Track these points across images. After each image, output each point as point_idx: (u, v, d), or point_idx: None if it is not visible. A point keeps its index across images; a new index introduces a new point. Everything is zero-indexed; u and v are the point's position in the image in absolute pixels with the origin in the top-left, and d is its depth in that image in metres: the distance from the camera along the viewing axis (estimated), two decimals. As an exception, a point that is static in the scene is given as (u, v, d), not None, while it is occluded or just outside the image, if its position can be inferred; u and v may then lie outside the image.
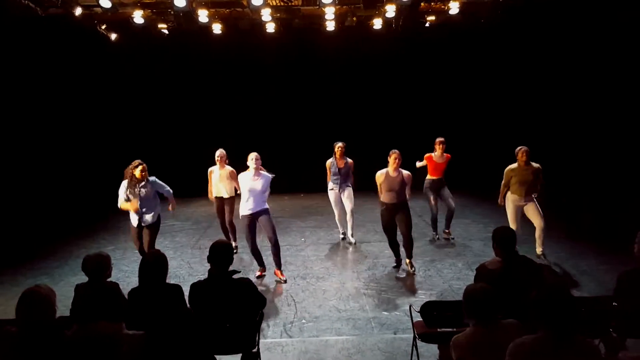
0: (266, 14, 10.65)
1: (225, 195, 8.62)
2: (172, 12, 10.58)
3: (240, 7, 10.79)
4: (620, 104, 9.76)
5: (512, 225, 7.68)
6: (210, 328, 4.10)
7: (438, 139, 8.91)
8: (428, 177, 9.02)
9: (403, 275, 7.53)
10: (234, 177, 8.40)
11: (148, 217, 6.99)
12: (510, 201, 7.72)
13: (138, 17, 10.54)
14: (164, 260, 4.17)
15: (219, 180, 8.63)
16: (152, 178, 7.02)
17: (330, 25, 11.61)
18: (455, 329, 3.98)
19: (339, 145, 8.84)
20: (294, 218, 11.10)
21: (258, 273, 7.49)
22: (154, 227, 7.11)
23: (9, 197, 9.92)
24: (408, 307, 4.78)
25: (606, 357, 3.79)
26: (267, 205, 7.29)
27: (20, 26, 9.87)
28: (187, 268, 8.08)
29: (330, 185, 9.01)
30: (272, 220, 7.34)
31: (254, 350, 4.38)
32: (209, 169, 8.74)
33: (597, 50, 10.06)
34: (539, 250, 7.77)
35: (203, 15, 10.52)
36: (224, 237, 8.60)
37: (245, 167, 7.25)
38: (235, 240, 8.83)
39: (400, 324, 5.80)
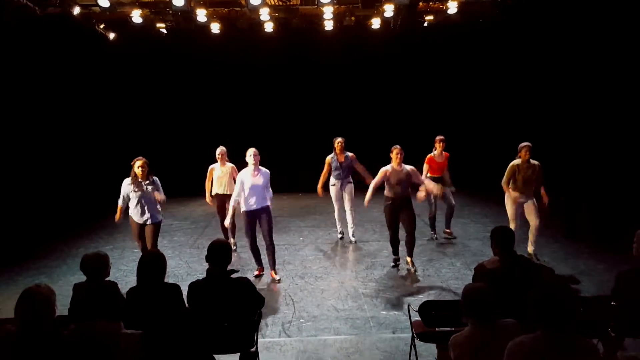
0: (265, 14, 10.66)
1: (227, 192, 8.60)
2: (170, 12, 10.59)
3: (238, 7, 10.79)
4: (618, 103, 9.76)
5: (512, 222, 7.69)
6: (208, 327, 4.09)
7: (438, 137, 8.89)
8: (429, 175, 8.99)
9: (401, 274, 7.53)
10: (236, 174, 8.43)
11: (151, 216, 6.98)
12: (511, 198, 7.71)
13: (136, 16, 10.54)
14: (162, 260, 4.17)
15: (220, 178, 8.63)
16: (155, 178, 7.01)
17: (329, 25, 11.62)
18: (453, 329, 3.98)
19: (338, 141, 8.84)
20: (293, 217, 11.10)
21: (256, 272, 7.51)
22: (157, 226, 7.10)
23: (7, 196, 9.89)
24: (406, 307, 4.78)
25: (604, 357, 3.79)
26: (268, 203, 7.29)
27: (18, 25, 9.85)
28: (185, 267, 8.07)
29: (332, 180, 9.00)
30: (272, 219, 7.36)
31: (253, 349, 4.38)
32: (210, 167, 8.74)
33: (596, 48, 10.06)
34: (530, 249, 7.75)
35: (201, 15, 10.52)
36: (223, 236, 8.59)
37: (243, 165, 7.26)
38: (234, 238, 8.83)
39: (398, 323, 5.80)
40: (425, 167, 8.91)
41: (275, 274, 7.43)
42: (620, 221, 8.66)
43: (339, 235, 9.39)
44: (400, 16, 11.05)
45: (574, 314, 2.86)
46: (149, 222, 6.95)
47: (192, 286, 4.30)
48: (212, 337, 4.11)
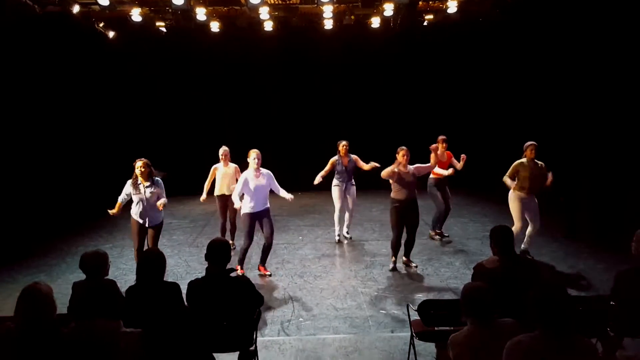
0: (264, 12, 10.64)
1: (229, 193, 8.58)
2: (170, 10, 10.59)
3: (238, 5, 10.78)
4: (618, 102, 9.76)
5: (518, 221, 7.64)
6: (207, 326, 4.09)
7: (440, 137, 8.89)
8: (432, 175, 8.98)
9: (401, 274, 7.53)
10: (239, 175, 8.45)
11: (156, 219, 6.98)
12: (516, 197, 7.67)
13: (136, 14, 10.53)
14: (161, 258, 4.17)
15: (223, 178, 8.62)
16: (157, 179, 7.00)
17: (328, 24, 11.61)
18: (452, 328, 3.99)
19: (343, 144, 8.83)
20: (292, 217, 11.10)
21: (240, 272, 7.35)
22: (159, 228, 7.11)
23: (6, 195, 9.89)
24: (405, 306, 4.78)
25: (603, 357, 3.80)
26: (268, 205, 7.35)
27: (18, 24, 9.84)
28: (184, 266, 8.07)
29: (335, 181, 9.00)
30: (272, 220, 7.42)
31: (252, 348, 4.38)
32: (213, 166, 8.72)
33: (595, 47, 10.05)
34: (524, 246, 7.77)
35: (201, 13, 10.51)
36: (221, 236, 8.59)
37: (245, 164, 7.28)
38: (233, 239, 8.82)
39: (397, 322, 5.80)
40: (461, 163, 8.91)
41: (266, 270, 7.46)
42: (620, 221, 8.66)
43: (337, 238, 9.32)
44: (400, 15, 11.04)
45: (572, 313, 2.87)
46: (149, 224, 6.94)
47: (192, 285, 4.31)
48: (211, 336, 4.12)
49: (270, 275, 7.39)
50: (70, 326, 3.32)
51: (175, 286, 4.18)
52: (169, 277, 6.61)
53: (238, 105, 14.39)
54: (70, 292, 4.25)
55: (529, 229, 7.72)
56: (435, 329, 4.31)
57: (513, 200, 7.73)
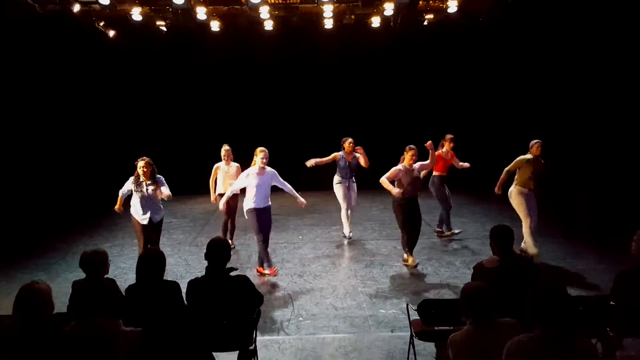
0: (264, 12, 10.65)
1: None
2: (170, 9, 10.59)
3: (238, 5, 10.79)
4: (619, 102, 9.76)
5: (527, 217, 7.62)
6: (207, 325, 4.09)
7: (448, 136, 8.92)
8: (435, 173, 8.96)
9: (401, 273, 7.53)
10: (240, 174, 8.47)
11: (157, 216, 6.99)
12: (518, 194, 7.65)
13: (136, 14, 10.54)
14: (161, 257, 4.17)
15: (225, 177, 8.62)
16: (160, 177, 7.01)
17: (329, 23, 11.61)
18: (452, 327, 3.99)
19: (349, 141, 8.84)
20: (292, 216, 11.09)
21: (269, 272, 7.40)
22: (159, 226, 7.15)
23: (6, 194, 9.89)
24: (405, 305, 4.78)
25: (603, 357, 3.79)
26: (270, 203, 7.38)
27: (18, 23, 9.84)
28: (184, 265, 8.07)
29: (337, 178, 9.02)
30: (271, 219, 7.46)
31: (251, 347, 4.37)
32: (215, 165, 8.72)
33: (596, 47, 10.05)
34: (523, 245, 7.77)
35: (201, 13, 10.51)
36: (222, 235, 8.59)
37: (246, 163, 7.29)
38: (232, 239, 8.82)
39: (397, 322, 5.80)
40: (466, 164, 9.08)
41: (264, 270, 7.47)
42: (620, 220, 8.65)
43: (348, 235, 9.26)
44: (400, 15, 11.05)
45: (572, 313, 2.86)
46: (149, 221, 6.94)
47: (191, 284, 4.31)
48: (211, 335, 4.11)
49: (268, 275, 7.39)
50: (70, 325, 3.32)
51: (175, 285, 4.18)
52: (168, 277, 6.58)
53: (238, 104, 14.38)
54: (70, 290, 4.26)
55: (524, 227, 7.70)
56: (435, 328, 4.30)
57: (515, 196, 7.72)
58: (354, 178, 9.05)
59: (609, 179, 9.95)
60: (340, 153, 8.90)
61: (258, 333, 4.69)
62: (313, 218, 11.01)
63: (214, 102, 14.41)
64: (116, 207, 7.11)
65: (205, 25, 11.33)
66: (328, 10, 10.84)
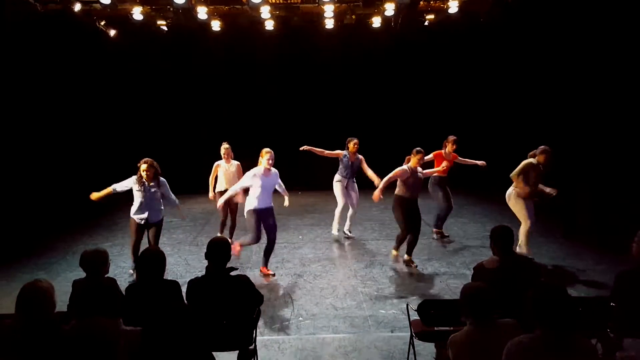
0: (265, 12, 10.65)
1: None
2: (171, 9, 10.60)
3: (239, 4, 10.79)
4: (619, 102, 9.74)
5: (527, 219, 7.60)
6: (207, 325, 4.09)
7: (451, 137, 8.94)
8: (435, 174, 8.97)
9: (401, 273, 7.53)
10: (240, 172, 8.52)
11: (155, 217, 6.99)
12: (516, 195, 7.63)
13: (137, 13, 10.54)
14: (161, 257, 4.17)
15: (225, 175, 8.63)
16: (163, 180, 7.01)
17: (329, 23, 11.62)
18: (452, 328, 3.99)
19: (355, 141, 8.85)
20: (292, 216, 11.08)
21: (268, 273, 7.46)
22: (159, 227, 7.15)
23: (6, 193, 9.89)
24: (405, 306, 4.78)
25: (603, 357, 3.80)
26: (272, 204, 7.37)
27: (19, 22, 9.85)
28: (184, 265, 8.06)
29: (337, 177, 9.03)
30: (275, 219, 7.46)
31: (251, 347, 4.38)
32: (216, 163, 8.74)
33: (597, 47, 10.04)
34: (518, 250, 7.76)
35: (202, 12, 10.51)
36: (221, 234, 8.60)
37: (245, 162, 7.29)
38: (232, 237, 8.82)
39: (397, 322, 5.80)
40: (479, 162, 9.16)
41: (268, 270, 7.46)
42: (620, 221, 8.65)
43: (335, 234, 9.32)
44: (400, 15, 11.05)
45: (572, 314, 2.86)
46: (145, 221, 6.96)
47: (191, 283, 4.31)
48: (211, 335, 4.11)
49: (273, 276, 7.38)
50: (70, 324, 3.32)
51: (175, 284, 4.18)
52: (168, 276, 6.59)
53: (238, 104, 14.38)
54: (70, 290, 4.26)
55: (522, 227, 7.69)
56: (435, 329, 4.30)
57: (515, 199, 7.66)
58: (354, 179, 9.04)
59: (609, 179, 9.94)
60: (345, 152, 8.90)
61: (258, 333, 4.70)
62: (313, 218, 11.00)
63: (214, 102, 14.41)
64: (94, 195, 6.94)
65: (206, 24, 11.33)
66: (329, 10, 10.85)
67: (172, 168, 10.65)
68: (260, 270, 7.49)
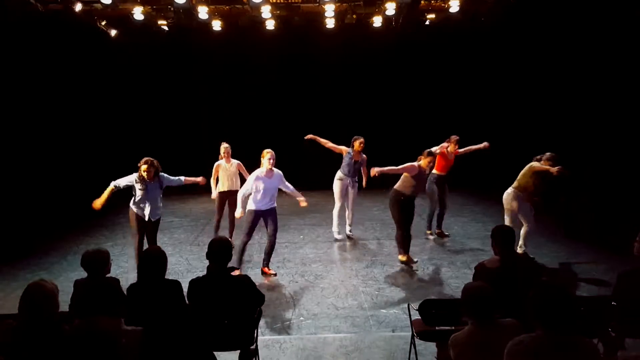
0: (266, 11, 10.64)
1: (234, 189, 8.57)
2: (172, 9, 10.59)
3: (240, 4, 10.79)
4: (620, 103, 9.74)
5: (528, 221, 7.61)
6: (208, 324, 4.10)
7: (454, 137, 8.94)
8: (435, 172, 8.93)
9: (402, 273, 7.53)
10: (241, 171, 8.60)
11: (155, 214, 7.02)
12: (515, 196, 7.61)
13: (138, 13, 10.52)
14: (163, 257, 4.18)
15: (225, 175, 8.64)
16: (162, 174, 7.02)
17: (330, 23, 11.60)
18: (453, 328, 3.99)
19: (361, 140, 8.83)
20: (293, 215, 11.08)
21: (237, 272, 7.35)
22: (157, 223, 7.18)
23: (8, 193, 9.89)
24: (406, 305, 4.78)
25: (605, 357, 3.80)
26: (275, 204, 7.36)
27: (20, 22, 9.85)
28: (185, 264, 8.07)
29: (339, 174, 9.01)
30: (277, 220, 7.44)
31: (252, 347, 4.38)
32: (216, 163, 8.74)
33: (599, 47, 10.03)
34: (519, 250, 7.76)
35: (203, 12, 10.51)
36: (220, 234, 8.59)
37: (245, 162, 7.28)
38: (231, 237, 8.80)
39: (398, 321, 5.80)
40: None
41: (270, 270, 7.45)
42: (621, 221, 8.65)
43: (337, 236, 9.29)
44: (401, 15, 11.05)
45: (573, 313, 2.86)
46: (155, 218, 7.01)
47: (193, 283, 4.31)
48: (212, 334, 4.12)
49: (275, 275, 7.39)
50: (72, 324, 3.32)
51: (176, 284, 4.19)
52: (169, 276, 6.56)
53: (239, 104, 14.38)
54: (72, 289, 4.26)
55: (524, 228, 7.69)
56: (436, 328, 4.31)
57: (521, 203, 7.57)
58: (356, 178, 9.03)
59: (609, 179, 9.93)
60: (349, 150, 8.88)
61: (259, 332, 4.70)
62: (314, 218, 10.99)
63: (215, 102, 14.42)
64: (97, 202, 6.81)
65: (206, 24, 11.32)
66: (330, 9, 10.83)
67: (172, 168, 10.67)
68: (262, 270, 7.49)
